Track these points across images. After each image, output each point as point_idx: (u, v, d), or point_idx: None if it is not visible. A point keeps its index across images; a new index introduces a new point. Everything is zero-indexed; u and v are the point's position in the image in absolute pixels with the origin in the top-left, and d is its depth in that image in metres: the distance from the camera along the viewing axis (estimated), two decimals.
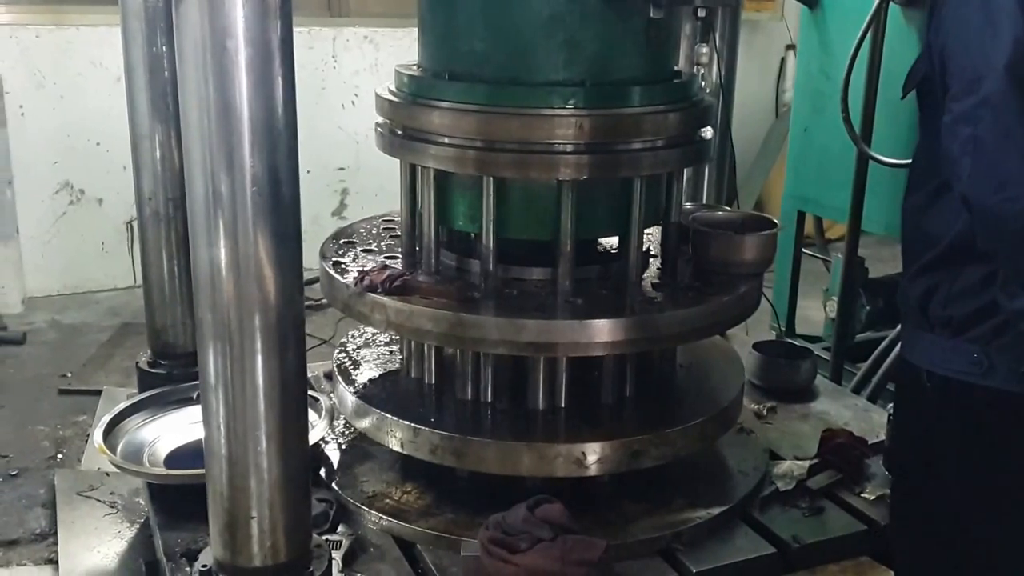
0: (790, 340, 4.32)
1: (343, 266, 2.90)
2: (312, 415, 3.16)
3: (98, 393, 4.73)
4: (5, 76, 5.87)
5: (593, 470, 2.70)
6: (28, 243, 6.20)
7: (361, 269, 2.81)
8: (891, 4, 4.07)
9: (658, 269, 2.98)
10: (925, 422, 2.30)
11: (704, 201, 4.00)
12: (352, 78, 6.93)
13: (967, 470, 2.22)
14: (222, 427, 2.05)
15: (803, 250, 4.96)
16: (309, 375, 3.67)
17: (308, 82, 6.81)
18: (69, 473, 3.86)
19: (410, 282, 2.70)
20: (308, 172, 6.91)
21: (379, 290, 2.68)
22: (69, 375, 5.10)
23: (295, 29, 6.50)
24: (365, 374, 3.09)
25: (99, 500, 3.52)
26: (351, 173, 7.03)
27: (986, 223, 1.96)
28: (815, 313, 5.24)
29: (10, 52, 5.90)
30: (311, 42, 6.78)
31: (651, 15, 2.68)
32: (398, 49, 6.93)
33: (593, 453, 2.68)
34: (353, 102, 6.91)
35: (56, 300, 6.27)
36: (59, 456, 4.27)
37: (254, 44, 1.83)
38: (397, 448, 2.80)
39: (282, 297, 2.00)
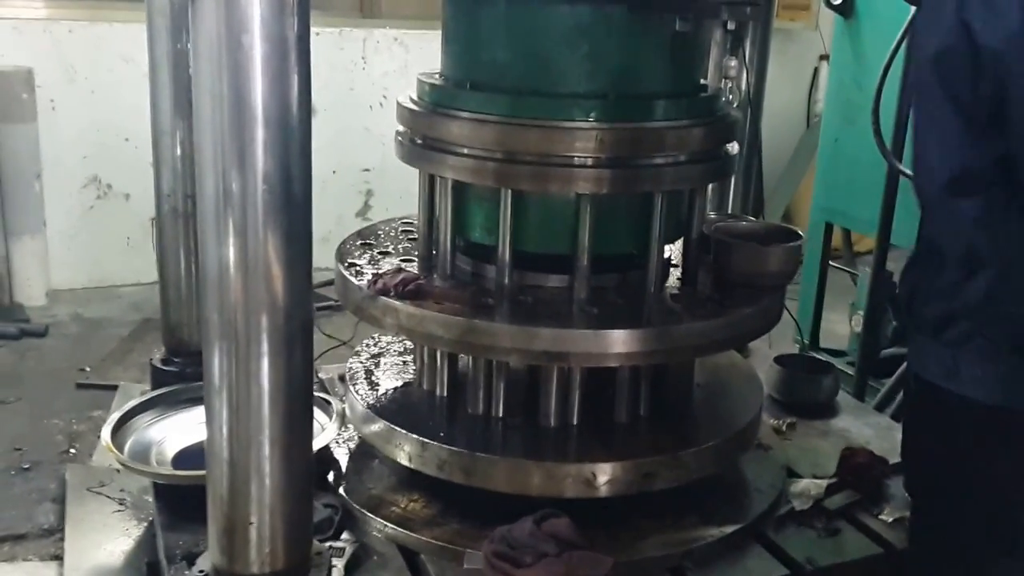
0: (812, 354, 4.25)
1: (358, 268, 2.86)
2: (323, 417, 3.14)
3: (115, 388, 4.72)
4: (37, 70, 5.88)
5: (603, 491, 2.64)
6: (55, 236, 6.21)
7: (375, 272, 2.77)
8: None
9: (678, 279, 2.93)
10: (912, 430, 2.31)
11: (729, 211, 3.94)
12: (381, 79, 6.91)
13: (958, 485, 2.17)
14: (224, 430, 2.02)
15: (830, 263, 4.89)
16: (324, 376, 3.67)
17: (337, 82, 6.81)
18: (80, 468, 3.85)
19: (423, 287, 2.66)
20: (334, 172, 6.96)
21: (392, 294, 2.64)
22: (88, 369, 5.10)
23: (326, 30, 6.56)
24: (377, 383, 3.06)
25: (109, 497, 3.50)
26: (377, 174, 7.00)
27: (922, 209, 2.10)
28: (841, 327, 5.17)
29: (42, 46, 5.91)
30: (341, 43, 6.76)
31: (677, 28, 2.62)
32: (428, 52, 6.84)
33: (603, 474, 2.63)
34: (381, 104, 6.88)
35: (80, 294, 6.27)
36: (72, 451, 4.26)
37: (270, 40, 1.80)
38: (405, 462, 2.76)
39: (290, 298, 1.96)
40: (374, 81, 6.90)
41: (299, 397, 2.05)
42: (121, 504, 3.46)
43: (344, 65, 6.80)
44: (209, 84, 1.81)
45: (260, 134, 1.82)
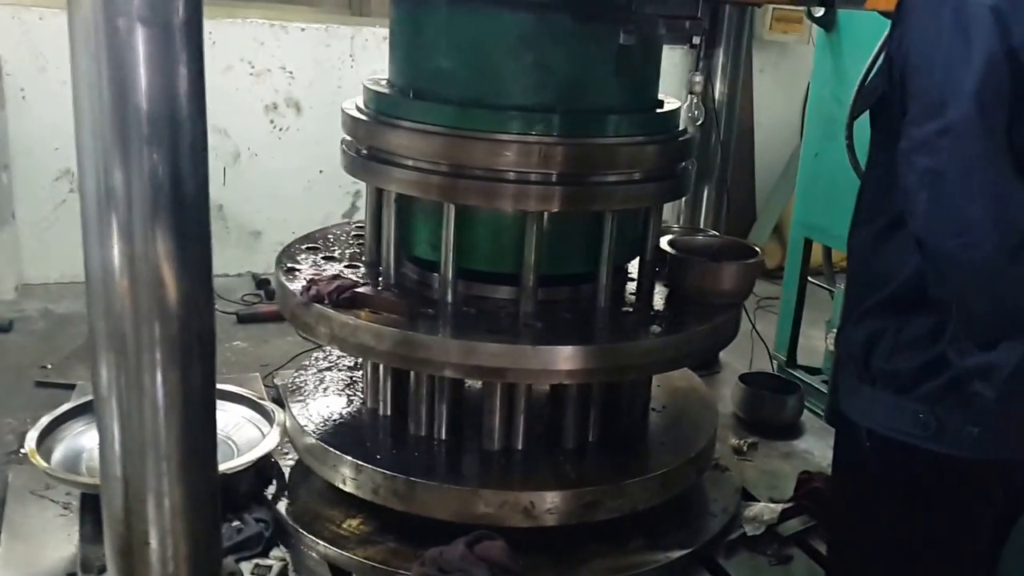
0: (778, 374, 4.15)
1: (298, 273, 2.76)
2: (265, 426, 3.04)
3: (73, 387, 4.61)
4: (6, 58, 5.78)
5: (543, 521, 2.54)
6: (25, 229, 6.11)
7: (310, 278, 2.66)
8: None
9: (631, 294, 2.82)
10: (862, 483, 2.10)
11: (702, 224, 3.85)
12: (369, 78, 6.80)
13: (905, 535, 2.02)
14: (116, 446, 1.89)
15: (810, 279, 4.77)
16: (280, 383, 3.57)
17: (324, 80, 6.70)
18: (25, 470, 3.73)
19: (359, 295, 2.55)
20: (321, 172, 6.86)
21: (325, 301, 2.53)
22: (49, 367, 4.99)
23: (312, 26, 6.42)
24: (320, 401, 2.95)
25: (53, 500, 3.39)
26: None
27: (940, 269, 1.75)
28: (821, 343, 5.05)
29: (12, 34, 5.80)
30: (328, 40, 6.65)
31: (621, 41, 2.51)
32: None
33: (543, 503, 2.53)
34: None
35: (52, 289, 6.16)
36: (21, 451, 4.14)
37: (151, 24, 1.65)
38: (341, 485, 2.65)
39: (185, 306, 1.83)
40: (362, 79, 6.78)
41: (198, 412, 1.92)
42: (66, 508, 3.35)
43: (331, 63, 6.69)
44: (86, 73, 1.67)
45: (144, 129, 1.69)
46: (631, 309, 2.72)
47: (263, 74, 6.56)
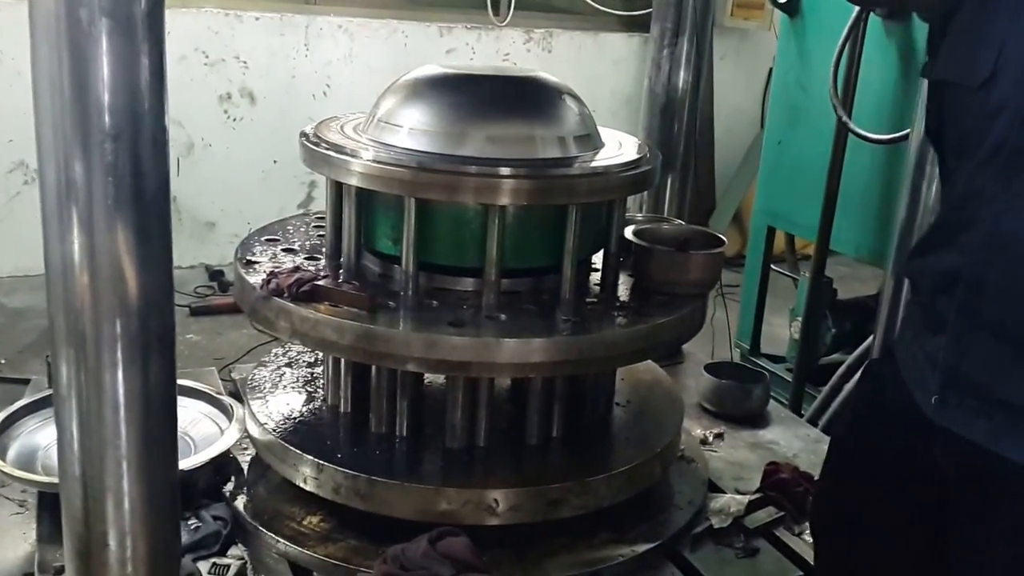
0: (745, 363, 4.14)
1: (257, 266, 2.70)
2: (223, 421, 2.99)
3: (28, 382, 4.52)
4: None
5: (506, 519, 2.51)
6: None
7: (270, 271, 2.60)
8: (871, 16, 3.90)
9: (596, 285, 2.79)
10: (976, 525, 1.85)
11: (666, 213, 3.82)
12: (324, 68, 6.72)
13: None
14: (75, 445, 1.85)
15: (773, 267, 4.78)
16: (238, 377, 3.51)
17: (278, 70, 6.62)
18: None
19: (320, 288, 2.50)
20: (275, 163, 6.78)
21: (285, 294, 2.48)
22: (3, 361, 4.90)
23: (266, 14, 6.33)
24: (280, 398, 2.90)
25: (8, 498, 3.32)
26: None
27: None
28: (785, 331, 5.07)
29: None
30: (282, 29, 6.56)
31: None
32: (373, 40, 6.73)
33: (507, 500, 2.49)
34: (325, 92, 6.70)
35: (5, 282, 6.06)
36: None
37: (113, 16, 1.61)
38: (301, 483, 2.60)
39: (145, 303, 1.79)
40: (317, 69, 6.71)
41: (158, 410, 1.87)
42: (21, 507, 3.28)
43: (285, 52, 6.60)
44: (47, 65, 1.63)
45: (105, 121, 1.64)
46: (596, 300, 2.68)
47: (217, 64, 6.48)
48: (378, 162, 2.47)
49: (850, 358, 3.99)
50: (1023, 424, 1.70)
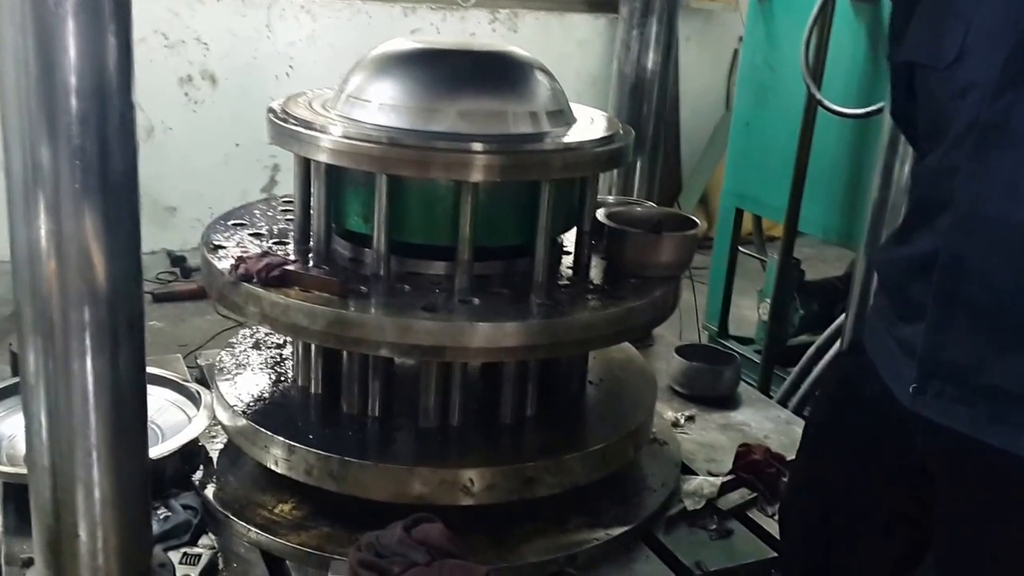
0: (714, 345, 4.15)
1: (224, 250, 2.66)
2: (191, 408, 2.95)
3: None
4: None
5: (481, 498, 2.48)
6: None
7: (239, 256, 2.56)
8: None
9: (569, 268, 2.77)
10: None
11: (635, 195, 3.81)
12: (287, 49, 6.66)
13: None
14: (44, 434, 1.81)
15: (741, 249, 4.78)
16: (203, 363, 3.46)
17: (240, 51, 6.55)
18: None
19: (290, 273, 2.46)
20: (237, 146, 6.71)
21: (254, 280, 2.44)
22: None
23: None
24: (249, 379, 2.85)
25: None
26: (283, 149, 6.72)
27: None
28: (752, 313, 5.08)
29: None
30: (244, 10, 6.49)
31: None
32: (336, 21, 6.67)
33: (482, 479, 2.46)
34: (287, 73, 6.64)
35: None
36: None
37: None
38: (272, 466, 2.56)
39: (114, 289, 1.75)
40: (279, 51, 6.64)
41: (128, 399, 1.84)
42: None
43: (247, 33, 6.53)
44: (12, 47, 1.59)
45: (72, 103, 1.61)
46: (569, 283, 2.66)
47: (177, 46, 6.40)
48: (348, 138, 2.42)
49: (819, 339, 4.01)
50: (1005, 410, 1.69)
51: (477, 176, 2.41)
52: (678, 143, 7.78)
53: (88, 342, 1.76)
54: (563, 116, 2.68)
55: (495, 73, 2.64)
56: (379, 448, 2.59)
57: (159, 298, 5.77)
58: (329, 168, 2.54)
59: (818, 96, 3.79)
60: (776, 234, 5.74)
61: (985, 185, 1.64)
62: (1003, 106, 1.60)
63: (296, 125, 2.54)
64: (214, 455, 2.86)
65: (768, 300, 4.31)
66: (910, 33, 1.83)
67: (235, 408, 2.66)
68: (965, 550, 1.84)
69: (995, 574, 1.80)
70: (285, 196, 3.16)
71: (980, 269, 1.67)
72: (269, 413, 2.67)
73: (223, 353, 3.01)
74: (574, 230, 2.77)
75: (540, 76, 2.68)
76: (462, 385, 2.62)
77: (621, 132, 2.72)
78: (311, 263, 2.61)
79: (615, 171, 3.73)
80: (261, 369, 2.93)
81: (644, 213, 2.91)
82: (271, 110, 2.66)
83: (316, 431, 2.59)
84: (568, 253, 2.82)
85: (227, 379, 2.83)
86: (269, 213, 3.02)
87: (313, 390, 2.77)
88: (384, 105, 2.52)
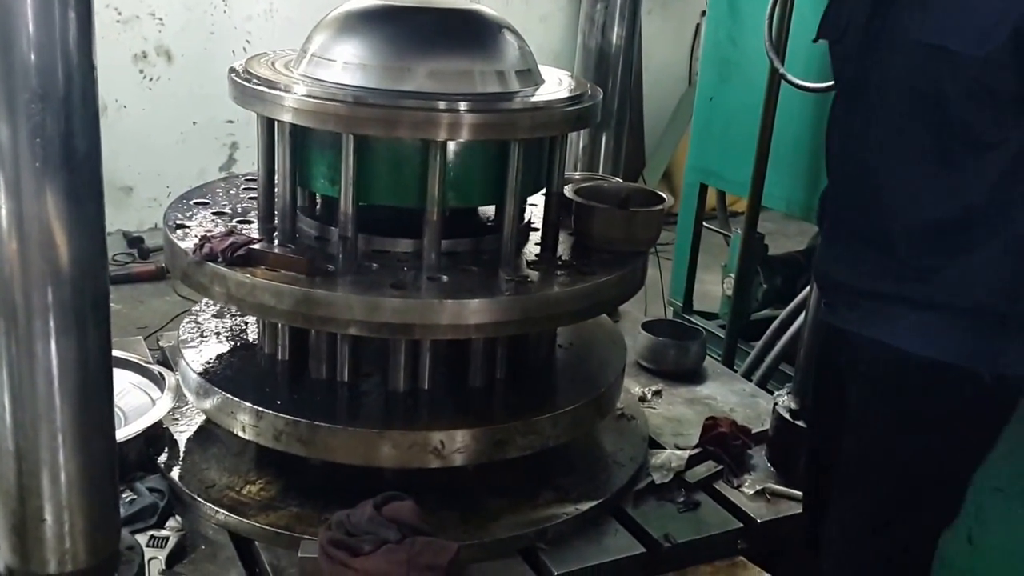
0: (679, 320, 4.15)
1: (188, 230, 2.62)
2: (154, 391, 2.92)
3: None
4: None
5: (452, 460, 2.47)
6: None
7: (203, 235, 2.52)
8: None
9: (536, 244, 2.76)
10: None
11: (601, 171, 3.79)
12: (244, 24, 6.57)
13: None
14: (8, 418, 1.78)
15: (705, 224, 4.78)
16: (166, 345, 3.41)
17: (196, 27, 6.46)
18: None
19: (256, 251, 2.44)
20: (194, 124, 6.62)
21: (219, 259, 2.41)
22: None
23: None
24: (214, 348, 2.82)
25: None
26: (242, 126, 6.62)
27: None
28: (716, 288, 5.09)
29: None
30: None
31: None
32: None
33: (452, 441, 2.45)
34: (245, 49, 6.54)
35: None
36: None
37: None
38: (240, 433, 2.53)
39: (78, 269, 1.72)
40: (236, 25, 6.55)
41: (94, 381, 1.81)
42: None
43: (203, 8, 6.44)
44: None
45: (32, 80, 1.57)
46: (538, 259, 2.65)
47: (131, 21, 6.29)
48: (313, 97, 2.39)
49: (783, 313, 4.02)
50: (877, 307, 2.13)
51: (444, 135, 2.39)
52: (641, 118, 7.76)
53: (52, 323, 1.73)
54: (531, 76, 2.67)
55: (462, 31, 2.61)
56: (348, 412, 2.56)
57: (116, 280, 5.68)
58: (294, 129, 2.50)
59: (781, 70, 3.77)
60: (739, 209, 5.78)
61: (847, 129, 2.20)
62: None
63: (259, 84, 2.50)
64: (179, 438, 2.83)
65: (732, 275, 4.31)
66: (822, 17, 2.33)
67: (203, 377, 2.63)
68: (859, 445, 2.26)
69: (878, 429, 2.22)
70: (247, 174, 3.12)
71: (850, 197, 2.21)
72: (236, 380, 2.64)
73: (185, 322, 2.96)
74: (542, 205, 2.76)
75: (508, 35, 2.66)
76: (432, 350, 2.61)
77: (589, 92, 2.71)
78: (276, 242, 2.58)
79: (580, 148, 3.72)
80: (227, 337, 2.89)
81: (611, 188, 2.91)
82: (233, 70, 2.62)
83: (284, 396, 2.57)
84: (536, 230, 2.81)
85: (192, 347, 2.79)
86: (232, 192, 2.98)
87: (280, 356, 2.74)
88: (349, 64, 2.48)
